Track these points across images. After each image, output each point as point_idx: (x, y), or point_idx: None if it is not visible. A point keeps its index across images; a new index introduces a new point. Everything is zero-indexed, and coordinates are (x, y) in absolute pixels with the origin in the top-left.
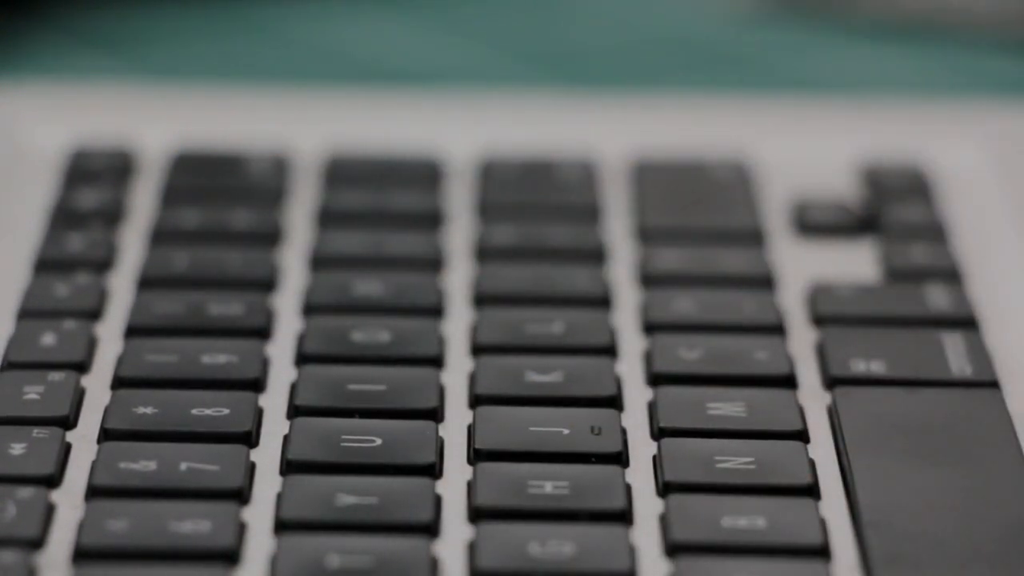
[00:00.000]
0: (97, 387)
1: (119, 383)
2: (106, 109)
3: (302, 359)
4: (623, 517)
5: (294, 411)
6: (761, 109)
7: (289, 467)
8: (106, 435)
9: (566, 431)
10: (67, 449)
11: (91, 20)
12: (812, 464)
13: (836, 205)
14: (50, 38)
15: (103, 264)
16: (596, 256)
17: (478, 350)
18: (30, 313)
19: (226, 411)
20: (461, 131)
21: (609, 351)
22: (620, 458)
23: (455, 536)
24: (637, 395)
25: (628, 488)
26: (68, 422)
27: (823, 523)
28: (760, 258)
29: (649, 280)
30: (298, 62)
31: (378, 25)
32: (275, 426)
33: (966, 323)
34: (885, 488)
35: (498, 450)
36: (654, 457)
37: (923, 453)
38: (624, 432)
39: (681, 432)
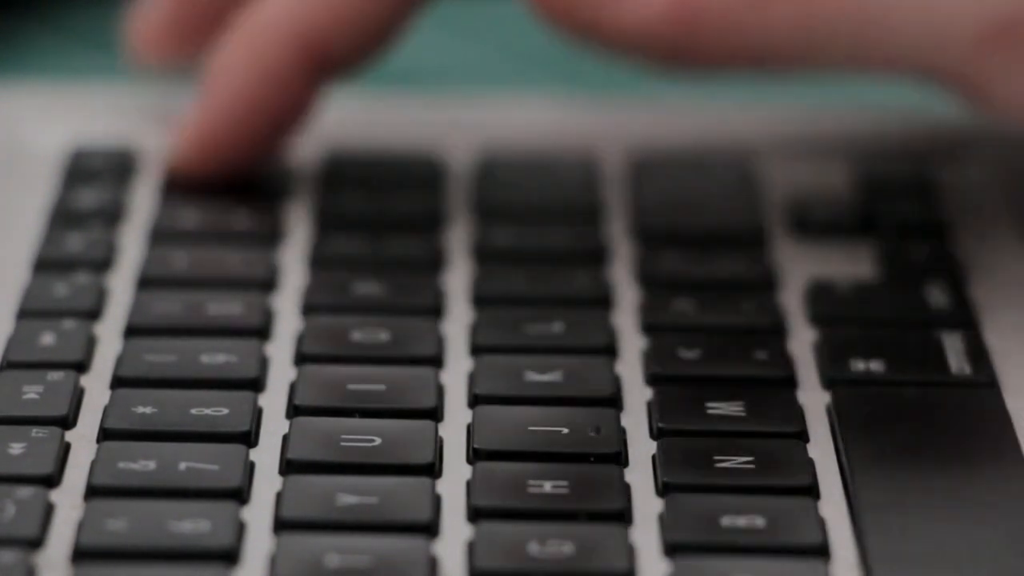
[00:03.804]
0: (96, 387)
1: (118, 383)
2: (106, 109)
3: (301, 359)
4: (622, 517)
5: (294, 411)
6: (761, 109)
7: (289, 467)
8: (105, 435)
9: (565, 431)
10: (66, 449)
11: (91, 20)
12: (811, 464)
13: (836, 205)
14: (50, 38)
15: (102, 264)
16: (596, 256)
17: (477, 350)
18: (29, 313)
19: (225, 411)
20: (461, 131)
21: (608, 351)
22: (619, 458)
23: (454, 536)
24: (636, 395)
25: (627, 488)
26: (67, 422)
27: (823, 523)
28: (760, 258)
29: (649, 280)
30: None
31: None
32: (275, 426)
33: (965, 323)
34: (885, 488)
35: (497, 450)
36: (653, 457)
37: (923, 453)
38: (623, 432)
39: (680, 432)
